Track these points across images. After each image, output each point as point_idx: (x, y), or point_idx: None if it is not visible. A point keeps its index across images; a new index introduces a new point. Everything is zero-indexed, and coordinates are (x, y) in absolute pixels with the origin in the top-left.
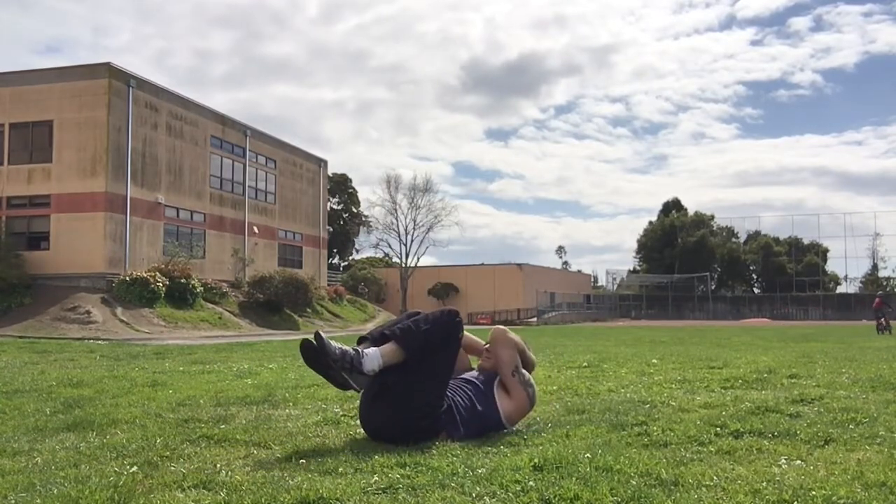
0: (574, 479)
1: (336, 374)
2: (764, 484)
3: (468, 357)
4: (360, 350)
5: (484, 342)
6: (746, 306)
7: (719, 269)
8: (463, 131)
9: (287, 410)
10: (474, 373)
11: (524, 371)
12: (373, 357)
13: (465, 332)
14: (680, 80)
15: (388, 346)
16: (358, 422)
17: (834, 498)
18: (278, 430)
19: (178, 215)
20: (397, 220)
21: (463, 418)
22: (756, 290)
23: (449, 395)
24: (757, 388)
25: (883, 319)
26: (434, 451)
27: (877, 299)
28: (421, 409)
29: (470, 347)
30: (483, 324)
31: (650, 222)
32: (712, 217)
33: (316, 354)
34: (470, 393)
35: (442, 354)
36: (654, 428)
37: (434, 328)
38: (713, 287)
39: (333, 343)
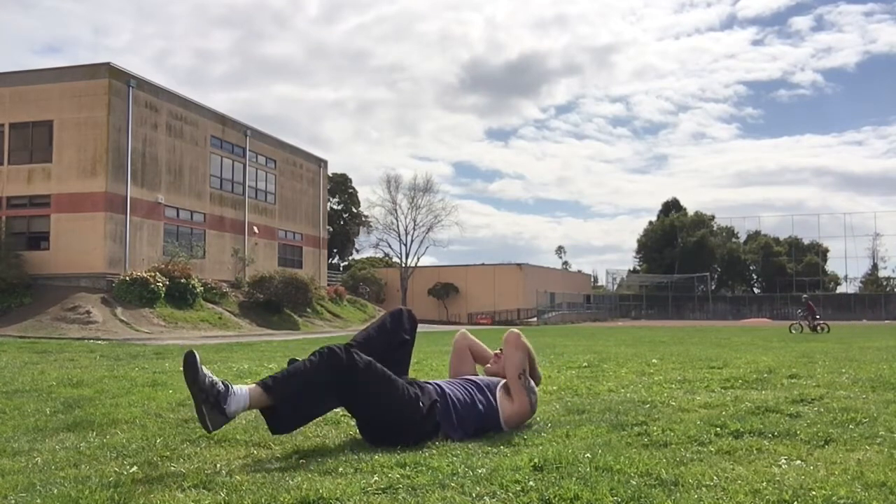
0: (574, 479)
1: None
2: (764, 484)
3: (475, 364)
4: (230, 386)
5: (492, 351)
6: (746, 306)
7: (719, 269)
8: (463, 131)
9: None
10: (480, 376)
11: (530, 379)
12: (239, 398)
13: (475, 339)
14: (680, 80)
15: (256, 390)
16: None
17: (834, 498)
18: None
19: (178, 215)
20: (397, 220)
21: (460, 416)
22: (756, 290)
23: (448, 392)
24: (757, 388)
25: (813, 320)
26: (434, 451)
27: (808, 303)
28: (398, 421)
29: (478, 355)
30: (483, 324)
31: (650, 222)
32: (712, 217)
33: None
34: (471, 391)
35: (353, 385)
36: (654, 428)
37: (312, 374)
38: (713, 287)
39: (206, 371)
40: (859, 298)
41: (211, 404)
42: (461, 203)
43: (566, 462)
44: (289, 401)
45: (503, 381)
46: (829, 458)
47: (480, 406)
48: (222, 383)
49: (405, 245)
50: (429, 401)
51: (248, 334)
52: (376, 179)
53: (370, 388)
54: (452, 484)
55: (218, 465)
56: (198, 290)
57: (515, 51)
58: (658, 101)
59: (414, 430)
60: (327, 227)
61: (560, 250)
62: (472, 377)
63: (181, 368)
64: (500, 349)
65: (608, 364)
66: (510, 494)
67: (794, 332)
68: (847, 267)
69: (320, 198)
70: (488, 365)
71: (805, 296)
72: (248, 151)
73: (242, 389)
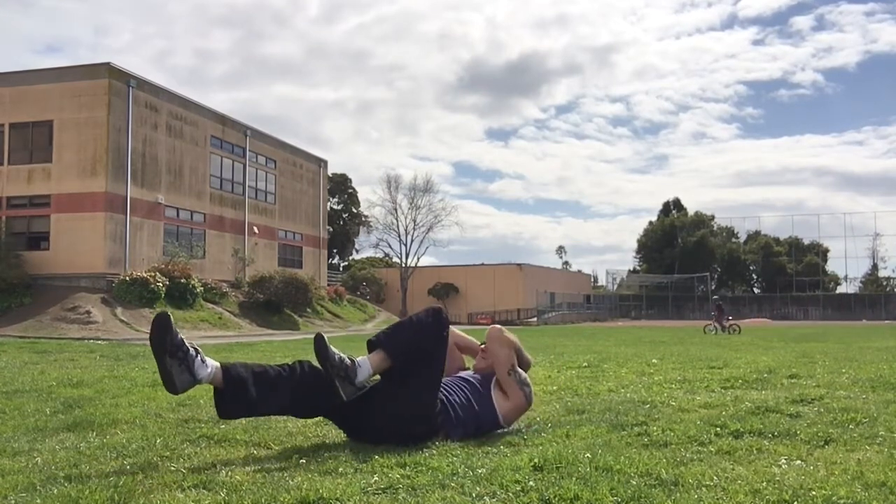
0: (574, 479)
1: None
2: (764, 484)
3: (462, 356)
4: (355, 360)
5: (479, 342)
6: (746, 306)
7: (719, 269)
8: (463, 131)
9: None
10: (470, 372)
11: (520, 370)
12: (364, 369)
13: (460, 332)
14: (681, 80)
15: (376, 356)
16: None
17: (834, 498)
18: (278, 430)
19: (178, 215)
20: (397, 220)
21: (459, 418)
22: (756, 290)
23: (445, 394)
24: (757, 388)
25: (725, 321)
26: (434, 451)
27: (719, 305)
28: (415, 416)
29: (465, 348)
30: (483, 324)
31: (650, 222)
32: (712, 217)
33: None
34: (467, 392)
35: (432, 357)
36: (654, 428)
37: (420, 331)
38: (713, 287)
39: (333, 348)
40: (859, 298)
41: (342, 377)
42: (461, 203)
43: (566, 462)
44: (403, 356)
45: (495, 378)
46: (829, 458)
47: (477, 406)
48: (349, 358)
49: (405, 245)
50: (438, 406)
51: (249, 334)
52: (376, 179)
53: (439, 355)
54: (452, 484)
55: (218, 465)
56: (198, 290)
57: (516, 51)
58: (658, 101)
59: (419, 426)
60: (327, 227)
61: (560, 250)
62: (465, 375)
63: (314, 349)
64: (482, 346)
65: (608, 364)
66: (510, 494)
67: (707, 332)
68: (847, 267)
69: (320, 198)
70: (476, 362)
71: (715, 297)
72: (248, 151)
73: (365, 360)
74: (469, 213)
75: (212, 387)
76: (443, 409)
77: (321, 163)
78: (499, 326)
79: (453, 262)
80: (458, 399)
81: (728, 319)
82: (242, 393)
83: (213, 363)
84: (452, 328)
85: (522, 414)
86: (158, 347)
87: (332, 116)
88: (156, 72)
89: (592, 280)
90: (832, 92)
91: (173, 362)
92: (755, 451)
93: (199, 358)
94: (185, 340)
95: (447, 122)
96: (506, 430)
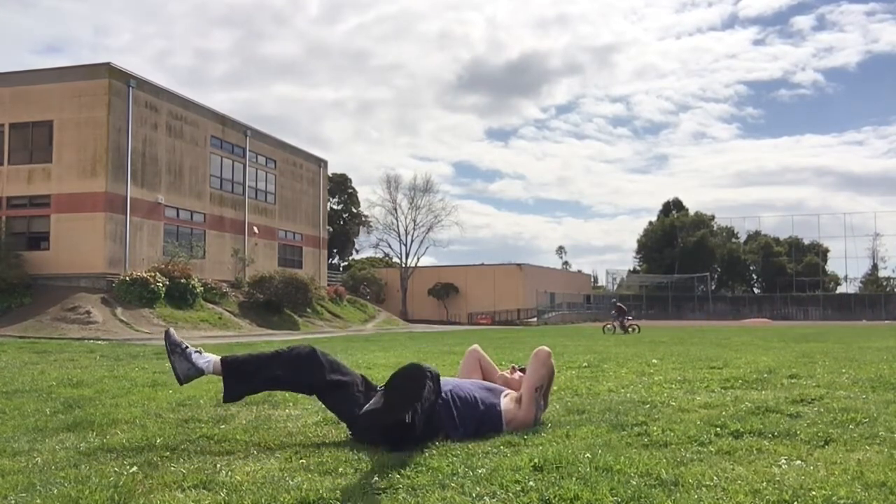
0: (574, 479)
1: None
2: (764, 484)
3: (482, 377)
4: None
5: (500, 371)
6: (746, 306)
7: (719, 270)
8: (463, 131)
9: (287, 410)
10: (487, 382)
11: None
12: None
13: (485, 355)
14: (681, 80)
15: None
16: None
17: (834, 498)
18: (278, 430)
19: (178, 215)
20: (397, 220)
21: (461, 414)
22: (756, 291)
23: (449, 389)
24: (757, 388)
25: (625, 321)
26: (434, 451)
27: (618, 305)
28: (414, 436)
29: (485, 371)
30: (483, 324)
31: (650, 222)
32: (712, 217)
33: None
34: (475, 392)
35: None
36: (654, 428)
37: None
38: (713, 287)
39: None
40: (859, 298)
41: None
42: (461, 203)
43: (566, 462)
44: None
45: (510, 391)
46: (829, 458)
47: (482, 406)
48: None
49: (405, 245)
50: (443, 400)
51: (249, 334)
52: (376, 179)
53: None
54: (452, 484)
55: (218, 465)
56: (198, 290)
57: (516, 50)
58: (658, 101)
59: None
60: (327, 227)
61: (560, 250)
62: (480, 381)
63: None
64: (513, 366)
65: (608, 364)
66: (510, 494)
67: (606, 332)
68: (847, 267)
69: (320, 198)
70: (503, 373)
71: (614, 299)
72: (248, 151)
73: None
74: (469, 213)
75: (220, 379)
76: (444, 406)
77: (321, 163)
78: (548, 350)
79: (453, 262)
80: (462, 395)
81: (628, 319)
82: (242, 370)
83: (211, 356)
84: (480, 349)
85: (522, 429)
86: (167, 349)
87: (332, 116)
88: (156, 72)
89: (592, 280)
90: (832, 92)
91: (174, 357)
92: (755, 451)
93: (197, 351)
94: (182, 341)
95: (447, 122)
96: (504, 431)
